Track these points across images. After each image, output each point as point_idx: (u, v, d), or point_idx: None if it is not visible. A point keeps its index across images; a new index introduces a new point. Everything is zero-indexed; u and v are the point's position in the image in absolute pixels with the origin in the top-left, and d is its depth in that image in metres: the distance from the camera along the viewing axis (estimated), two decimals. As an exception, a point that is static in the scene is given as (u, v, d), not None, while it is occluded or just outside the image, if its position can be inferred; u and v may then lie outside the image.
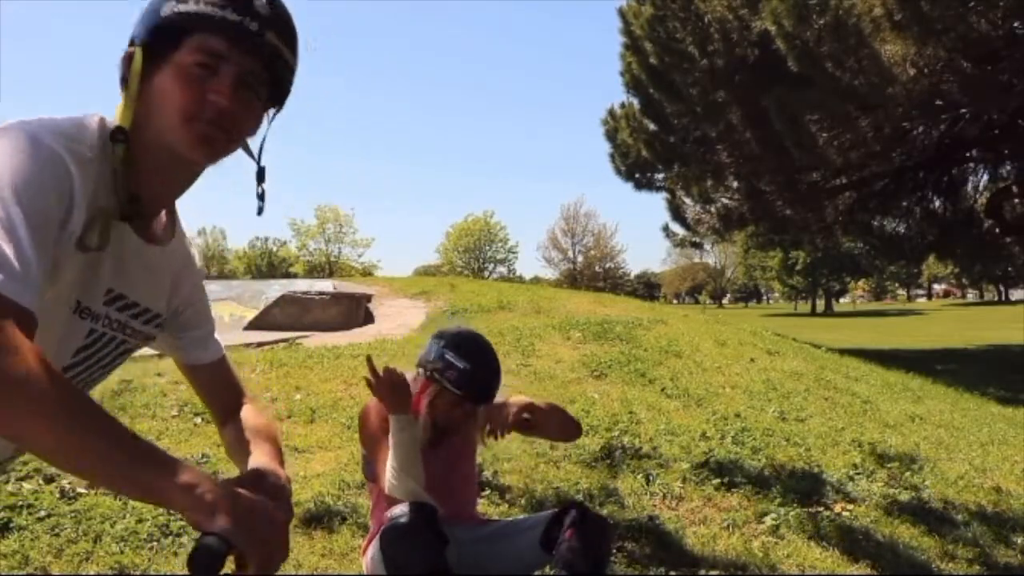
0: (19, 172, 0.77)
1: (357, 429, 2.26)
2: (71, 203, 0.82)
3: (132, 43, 0.92)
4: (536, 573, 2.18)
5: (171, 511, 2.86)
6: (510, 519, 2.38)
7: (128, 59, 0.92)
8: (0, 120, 0.84)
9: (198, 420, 4.07)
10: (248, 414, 1.14)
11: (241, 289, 14.62)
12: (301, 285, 13.84)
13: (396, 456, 1.97)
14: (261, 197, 1.03)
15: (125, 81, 0.92)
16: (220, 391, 1.19)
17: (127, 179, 0.91)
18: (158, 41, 0.90)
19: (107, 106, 0.95)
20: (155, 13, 0.91)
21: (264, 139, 1.01)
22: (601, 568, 2.00)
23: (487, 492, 3.33)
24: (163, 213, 1.04)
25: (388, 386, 1.99)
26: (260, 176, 1.02)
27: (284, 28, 0.94)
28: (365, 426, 2.16)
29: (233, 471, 1.06)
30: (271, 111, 1.00)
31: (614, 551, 2.93)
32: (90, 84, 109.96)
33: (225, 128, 0.91)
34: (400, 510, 1.94)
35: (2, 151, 0.79)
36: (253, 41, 0.91)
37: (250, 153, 1.02)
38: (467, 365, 2.01)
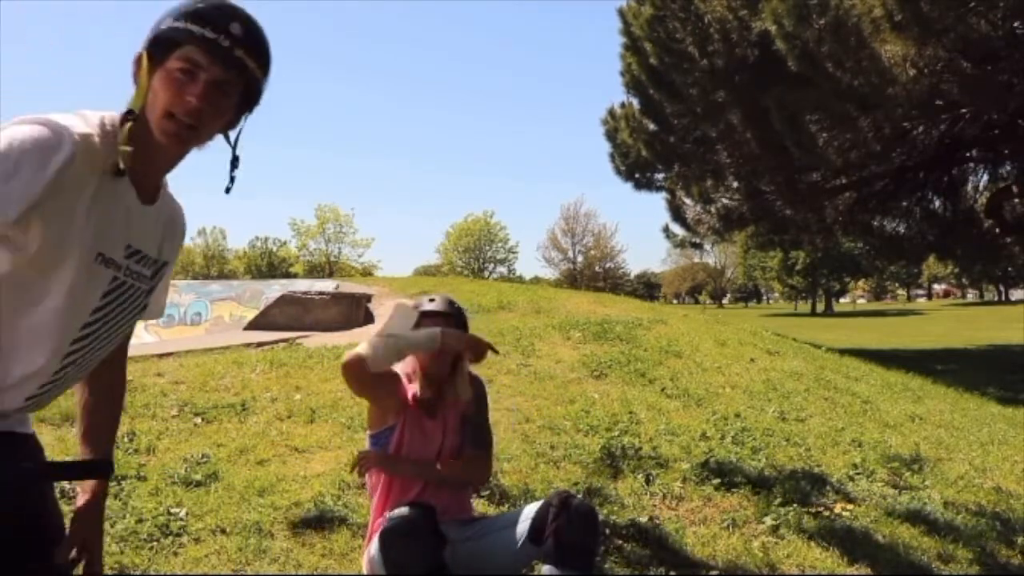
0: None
1: (363, 414, 2.34)
2: (63, 173, 1.04)
3: (143, 48, 1.16)
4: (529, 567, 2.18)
5: (170, 512, 2.86)
6: (498, 514, 2.39)
7: (138, 61, 1.15)
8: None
9: (198, 420, 4.07)
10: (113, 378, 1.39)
11: (241, 289, 14.64)
12: (301, 285, 13.84)
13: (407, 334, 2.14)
14: (232, 180, 1.28)
15: (134, 76, 1.16)
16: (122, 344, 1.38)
17: (129, 150, 1.13)
18: (157, 49, 1.14)
19: (103, 104, 1.01)
20: (157, 27, 1.15)
21: (239, 133, 1.26)
22: (590, 557, 2.00)
23: (487, 492, 3.33)
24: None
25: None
26: (234, 163, 1.27)
27: (254, 46, 1.17)
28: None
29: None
30: (245, 113, 1.24)
31: (611, 549, 2.94)
32: (90, 85, 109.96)
33: (193, 123, 1.13)
34: (399, 511, 1.95)
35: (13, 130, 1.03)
36: (224, 55, 1.13)
37: (229, 142, 1.26)
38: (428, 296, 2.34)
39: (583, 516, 2.00)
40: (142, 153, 1.15)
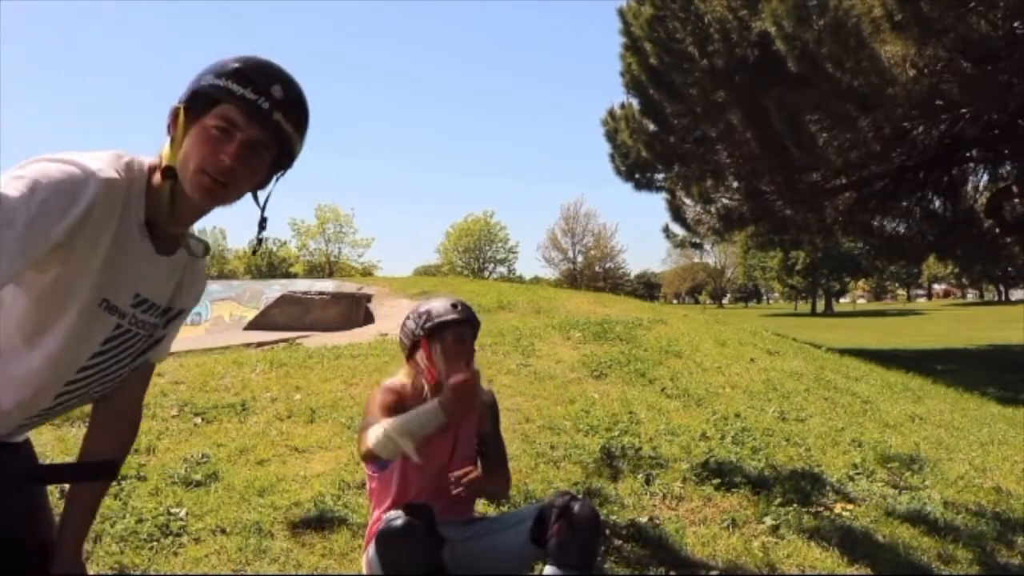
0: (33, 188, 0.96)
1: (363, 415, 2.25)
2: (85, 217, 1.02)
3: (180, 102, 1.14)
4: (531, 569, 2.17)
5: (170, 512, 2.86)
6: (499, 514, 2.39)
7: (175, 114, 1.14)
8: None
9: (198, 420, 4.07)
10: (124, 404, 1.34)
11: (241, 289, 14.66)
12: (301, 285, 13.86)
13: (410, 421, 1.83)
14: (260, 241, 1.28)
15: (169, 128, 1.15)
16: (138, 380, 1.36)
17: (161, 203, 1.15)
18: (195, 105, 1.13)
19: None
20: (197, 82, 1.14)
21: (268, 195, 1.24)
22: (591, 558, 2.00)
23: (487, 492, 3.33)
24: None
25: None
26: (262, 225, 1.25)
27: (293, 111, 1.16)
28: (369, 404, 2.11)
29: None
30: (278, 174, 1.23)
31: (611, 549, 2.94)
32: (90, 85, 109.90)
33: (225, 182, 1.12)
34: (396, 512, 1.95)
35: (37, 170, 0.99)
36: (263, 117, 1.12)
37: (258, 203, 1.23)
38: (439, 301, 2.18)
39: (585, 517, 2.00)
40: (167, 205, 1.16)
